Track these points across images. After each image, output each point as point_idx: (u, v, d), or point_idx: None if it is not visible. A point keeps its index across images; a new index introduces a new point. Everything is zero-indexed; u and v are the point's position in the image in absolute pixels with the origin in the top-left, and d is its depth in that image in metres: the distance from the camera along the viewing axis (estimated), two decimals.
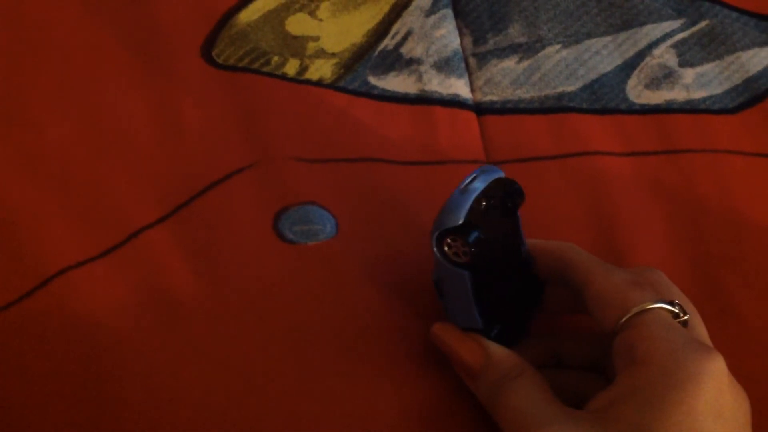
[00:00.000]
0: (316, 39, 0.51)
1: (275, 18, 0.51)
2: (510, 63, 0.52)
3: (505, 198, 0.38)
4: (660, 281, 0.38)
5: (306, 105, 0.49)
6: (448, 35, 0.52)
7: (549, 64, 0.52)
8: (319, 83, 0.49)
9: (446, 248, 0.38)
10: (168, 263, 0.43)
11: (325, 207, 0.45)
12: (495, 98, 0.51)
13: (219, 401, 0.39)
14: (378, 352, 0.41)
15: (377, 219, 0.45)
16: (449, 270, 0.38)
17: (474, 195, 0.37)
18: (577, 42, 0.53)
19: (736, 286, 0.45)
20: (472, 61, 0.52)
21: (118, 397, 0.39)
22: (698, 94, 0.51)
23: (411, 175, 0.47)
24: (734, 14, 0.54)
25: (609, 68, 0.52)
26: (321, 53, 0.51)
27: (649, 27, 0.53)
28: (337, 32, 0.51)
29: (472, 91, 0.51)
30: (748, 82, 0.52)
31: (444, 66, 0.51)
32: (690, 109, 0.51)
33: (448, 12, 0.53)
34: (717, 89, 0.51)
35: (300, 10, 0.52)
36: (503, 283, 0.39)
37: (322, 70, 0.50)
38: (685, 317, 0.36)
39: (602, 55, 0.52)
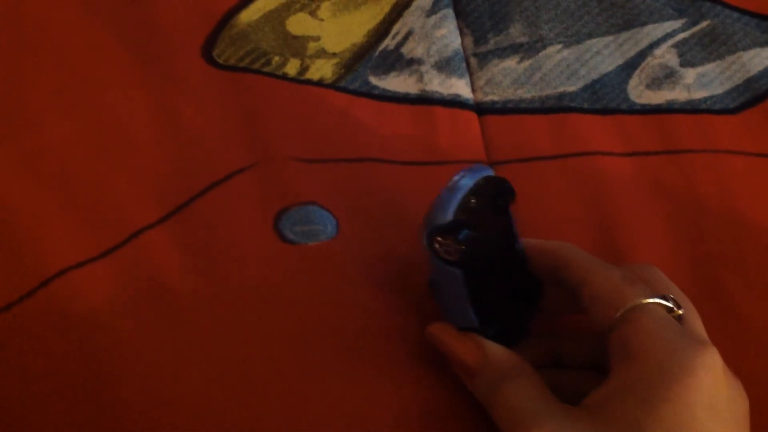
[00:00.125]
0: (317, 39, 0.51)
1: (276, 18, 0.51)
2: (511, 63, 0.52)
3: (495, 196, 0.38)
4: (655, 277, 0.38)
5: (307, 105, 0.49)
6: (449, 35, 0.52)
7: (550, 64, 0.52)
8: (319, 83, 0.49)
9: (437, 246, 0.38)
10: (168, 263, 0.43)
11: (325, 207, 0.45)
12: (496, 98, 0.51)
13: (219, 401, 0.39)
14: (378, 352, 0.41)
15: (378, 219, 0.45)
16: (442, 269, 0.38)
17: (462, 192, 0.37)
18: (578, 42, 0.53)
19: (737, 286, 0.45)
20: (473, 61, 0.52)
21: (118, 398, 0.39)
22: (699, 94, 0.51)
23: (412, 175, 0.47)
24: (735, 14, 0.54)
25: (610, 68, 0.52)
26: (322, 53, 0.51)
27: (650, 27, 0.53)
28: (337, 32, 0.51)
29: (473, 91, 0.51)
30: (749, 82, 0.52)
31: (445, 66, 0.51)
32: (691, 109, 0.51)
33: (449, 12, 0.53)
34: (718, 89, 0.51)
35: (301, 10, 0.52)
36: (498, 281, 0.39)
37: (322, 70, 0.50)
38: (680, 312, 0.36)
39: (603, 55, 0.52)
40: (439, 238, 0.37)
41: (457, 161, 0.48)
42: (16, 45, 0.48)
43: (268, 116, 0.48)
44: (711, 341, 0.35)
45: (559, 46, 0.52)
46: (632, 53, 0.52)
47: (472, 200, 0.37)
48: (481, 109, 0.50)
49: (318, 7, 0.52)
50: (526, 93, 0.51)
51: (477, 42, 0.53)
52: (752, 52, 0.53)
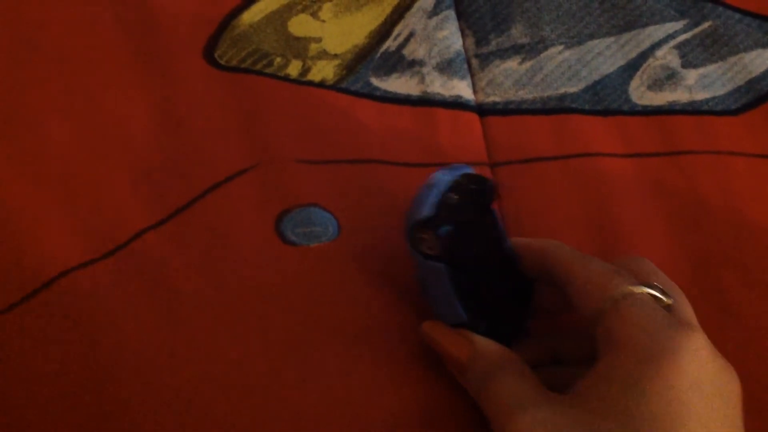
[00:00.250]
0: (319, 40, 0.51)
1: (278, 19, 0.51)
2: (512, 64, 0.52)
3: (476, 193, 0.39)
4: (645, 268, 0.38)
5: (308, 106, 0.48)
6: (450, 36, 0.52)
7: (551, 65, 0.52)
8: (321, 84, 0.49)
9: (419, 242, 0.38)
10: (169, 265, 0.43)
11: (327, 209, 0.45)
12: (497, 99, 0.51)
13: (220, 402, 0.39)
14: (378, 353, 0.41)
15: (379, 221, 0.45)
16: (426, 264, 0.38)
17: (441, 188, 0.38)
18: (580, 43, 0.53)
19: (738, 286, 0.45)
20: (474, 62, 0.52)
21: (119, 398, 0.39)
22: (701, 96, 0.51)
23: (413, 176, 0.47)
24: (737, 15, 0.54)
25: (611, 69, 0.52)
26: (323, 54, 0.51)
27: (651, 28, 0.53)
28: (339, 33, 0.51)
29: (475, 92, 0.51)
30: (751, 83, 0.52)
31: (446, 67, 0.51)
32: (692, 110, 0.51)
33: (451, 13, 0.53)
34: (719, 90, 0.51)
35: (302, 11, 0.52)
36: (486, 277, 0.39)
37: (324, 71, 0.50)
38: (669, 301, 0.36)
39: (605, 56, 0.52)
40: (420, 234, 0.38)
41: (458, 163, 0.48)
42: (17, 45, 0.48)
43: (269, 117, 0.48)
44: (710, 341, 0.35)
45: (560, 47, 0.52)
46: (634, 54, 0.52)
47: (453, 196, 0.38)
48: (482, 110, 0.50)
49: (320, 8, 0.52)
50: (527, 94, 0.51)
51: (479, 43, 0.53)
52: (754, 53, 0.53)
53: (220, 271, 0.43)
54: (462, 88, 0.50)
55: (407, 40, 0.52)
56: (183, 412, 0.39)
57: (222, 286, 0.42)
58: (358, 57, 0.51)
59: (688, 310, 0.37)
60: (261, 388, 0.40)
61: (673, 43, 0.53)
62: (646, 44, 0.53)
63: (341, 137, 0.48)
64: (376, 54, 0.51)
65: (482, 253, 0.39)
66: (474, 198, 0.39)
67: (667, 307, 0.36)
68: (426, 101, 0.50)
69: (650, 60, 0.52)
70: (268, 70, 0.50)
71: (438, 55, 0.51)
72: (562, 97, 0.51)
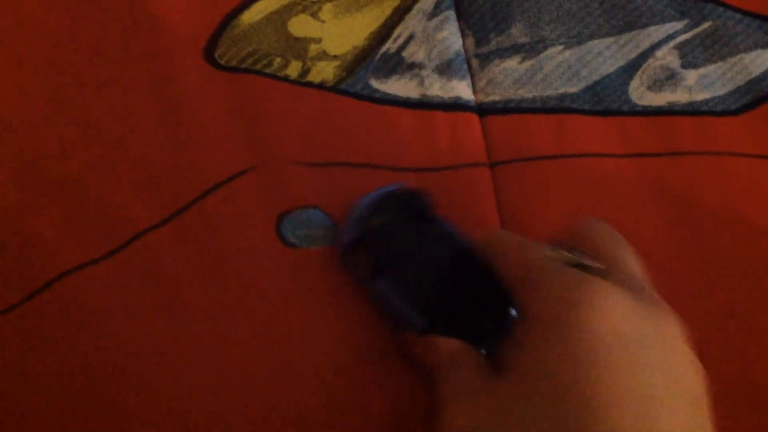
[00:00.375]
0: (319, 41, 0.51)
1: (278, 19, 0.51)
2: (512, 63, 0.52)
3: (406, 207, 0.41)
4: (588, 233, 0.37)
5: (308, 108, 0.48)
6: (450, 37, 0.52)
7: (551, 65, 0.52)
8: (321, 86, 0.49)
9: (351, 267, 0.40)
10: (170, 266, 0.43)
11: (326, 212, 0.45)
12: (497, 98, 0.51)
13: (220, 403, 0.39)
14: (379, 355, 0.41)
15: None
16: (367, 285, 0.40)
17: (360, 212, 0.40)
18: (580, 43, 0.53)
19: (738, 287, 0.45)
20: (474, 61, 0.52)
21: (120, 399, 0.39)
22: (701, 96, 0.51)
23: (411, 181, 0.47)
24: (737, 16, 0.54)
25: (611, 70, 0.52)
26: (323, 55, 0.51)
27: (651, 28, 0.53)
28: (339, 34, 0.51)
29: (475, 92, 0.51)
30: (751, 83, 0.52)
31: (446, 69, 0.51)
32: (692, 111, 0.51)
33: (451, 13, 0.53)
34: (720, 91, 0.51)
35: (303, 11, 0.52)
36: (439, 281, 0.40)
37: (324, 72, 0.50)
38: (595, 265, 0.35)
39: (605, 56, 0.52)
40: (350, 258, 0.40)
41: (457, 165, 0.48)
42: (17, 46, 0.48)
43: (269, 118, 0.48)
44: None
45: (560, 47, 0.52)
46: (634, 55, 0.52)
47: (375, 216, 0.40)
48: (482, 109, 0.50)
49: (320, 8, 0.52)
50: (527, 93, 0.51)
51: (479, 43, 0.53)
52: (754, 54, 0.53)
53: (220, 272, 0.43)
54: (461, 89, 0.50)
55: (407, 42, 0.51)
56: (183, 413, 0.39)
57: (222, 287, 0.42)
58: (357, 58, 0.51)
59: (622, 275, 0.35)
60: (262, 388, 0.40)
61: (673, 43, 0.53)
62: (646, 44, 0.53)
63: (341, 140, 0.48)
64: (375, 56, 0.51)
65: (426, 260, 0.40)
66: (405, 211, 0.40)
67: (599, 272, 0.35)
68: (425, 104, 0.50)
69: (650, 60, 0.52)
70: (267, 71, 0.50)
71: (437, 57, 0.51)
72: (562, 97, 0.51)
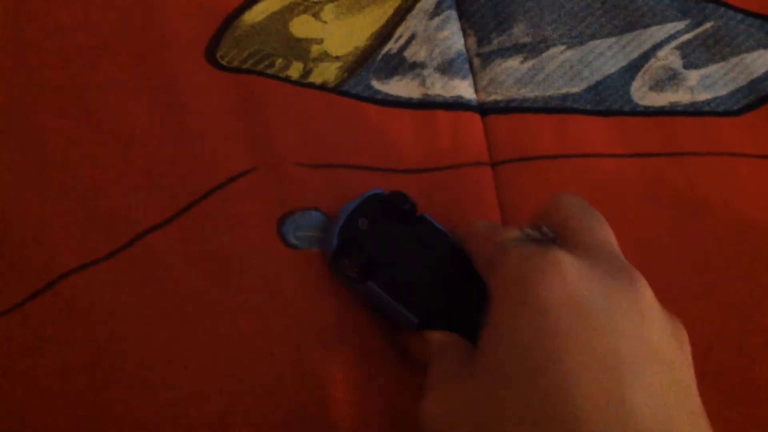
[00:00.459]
0: (320, 42, 0.51)
1: (279, 20, 0.51)
2: (514, 62, 0.52)
3: (390, 209, 0.41)
4: (554, 206, 0.37)
5: (309, 109, 0.48)
6: (451, 36, 0.52)
7: (553, 64, 0.52)
8: (322, 87, 0.49)
9: (341, 270, 0.41)
10: (172, 266, 0.43)
11: (327, 214, 0.45)
12: (499, 97, 0.51)
13: (221, 403, 0.40)
14: (379, 356, 0.42)
15: None
16: (358, 287, 0.41)
17: (344, 217, 0.41)
18: (582, 43, 0.53)
19: (739, 287, 0.45)
20: (476, 61, 0.52)
21: (121, 399, 0.39)
22: (702, 96, 0.51)
23: (412, 182, 0.47)
24: (739, 16, 0.54)
25: (613, 70, 0.52)
26: (325, 56, 0.50)
27: (653, 29, 0.53)
28: (341, 35, 0.51)
29: (476, 91, 0.51)
30: (753, 83, 0.52)
31: (447, 68, 0.51)
32: (694, 111, 0.51)
33: (452, 13, 0.53)
34: (721, 91, 0.51)
35: (304, 12, 0.52)
36: (429, 279, 0.40)
37: (325, 73, 0.50)
38: (547, 233, 0.34)
39: (606, 56, 0.52)
40: (339, 261, 0.40)
41: (458, 164, 0.48)
42: (18, 46, 0.48)
43: (271, 119, 0.48)
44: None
45: (562, 47, 0.52)
46: (635, 55, 0.52)
47: (361, 219, 0.41)
48: (484, 109, 0.50)
49: (321, 9, 0.52)
50: (529, 92, 0.51)
51: (480, 42, 0.53)
52: (756, 54, 0.52)
53: (221, 273, 0.43)
54: (463, 89, 0.50)
55: (408, 42, 0.51)
56: (184, 413, 0.39)
57: (223, 287, 0.42)
58: (359, 59, 0.51)
59: (594, 239, 0.34)
60: (262, 389, 0.40)
61: (674, 43, 0.53)
62: (648, 45, 0.53)
63: (342, 141, 0.48)
64: (377, 56, 0.51)
65: (415, 258, 0.41)
66: (390, 213, 0.41)
67: (553, 240, 0.34)
68: (427, 104, 0.50)
69: (652, 60, 0.52)
70: (269, 71, 0.49)
71: (439, 56, 0.51)
72: (564, 97, 0.51)
